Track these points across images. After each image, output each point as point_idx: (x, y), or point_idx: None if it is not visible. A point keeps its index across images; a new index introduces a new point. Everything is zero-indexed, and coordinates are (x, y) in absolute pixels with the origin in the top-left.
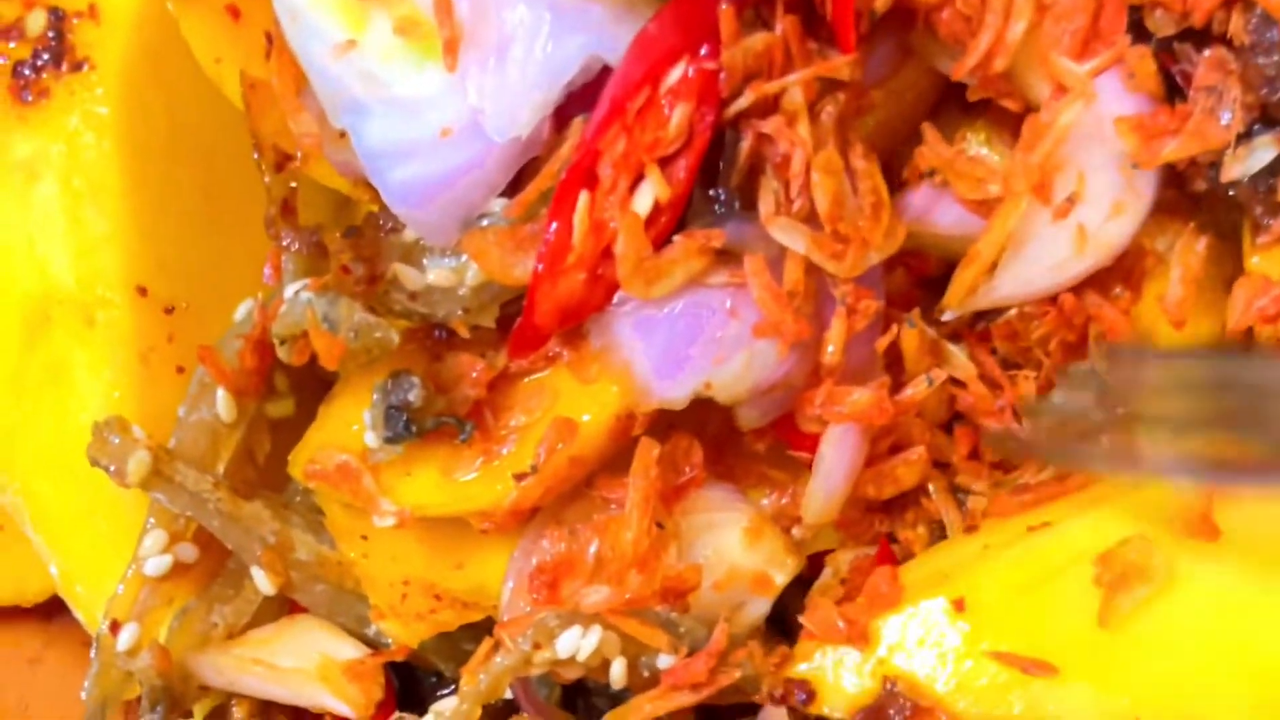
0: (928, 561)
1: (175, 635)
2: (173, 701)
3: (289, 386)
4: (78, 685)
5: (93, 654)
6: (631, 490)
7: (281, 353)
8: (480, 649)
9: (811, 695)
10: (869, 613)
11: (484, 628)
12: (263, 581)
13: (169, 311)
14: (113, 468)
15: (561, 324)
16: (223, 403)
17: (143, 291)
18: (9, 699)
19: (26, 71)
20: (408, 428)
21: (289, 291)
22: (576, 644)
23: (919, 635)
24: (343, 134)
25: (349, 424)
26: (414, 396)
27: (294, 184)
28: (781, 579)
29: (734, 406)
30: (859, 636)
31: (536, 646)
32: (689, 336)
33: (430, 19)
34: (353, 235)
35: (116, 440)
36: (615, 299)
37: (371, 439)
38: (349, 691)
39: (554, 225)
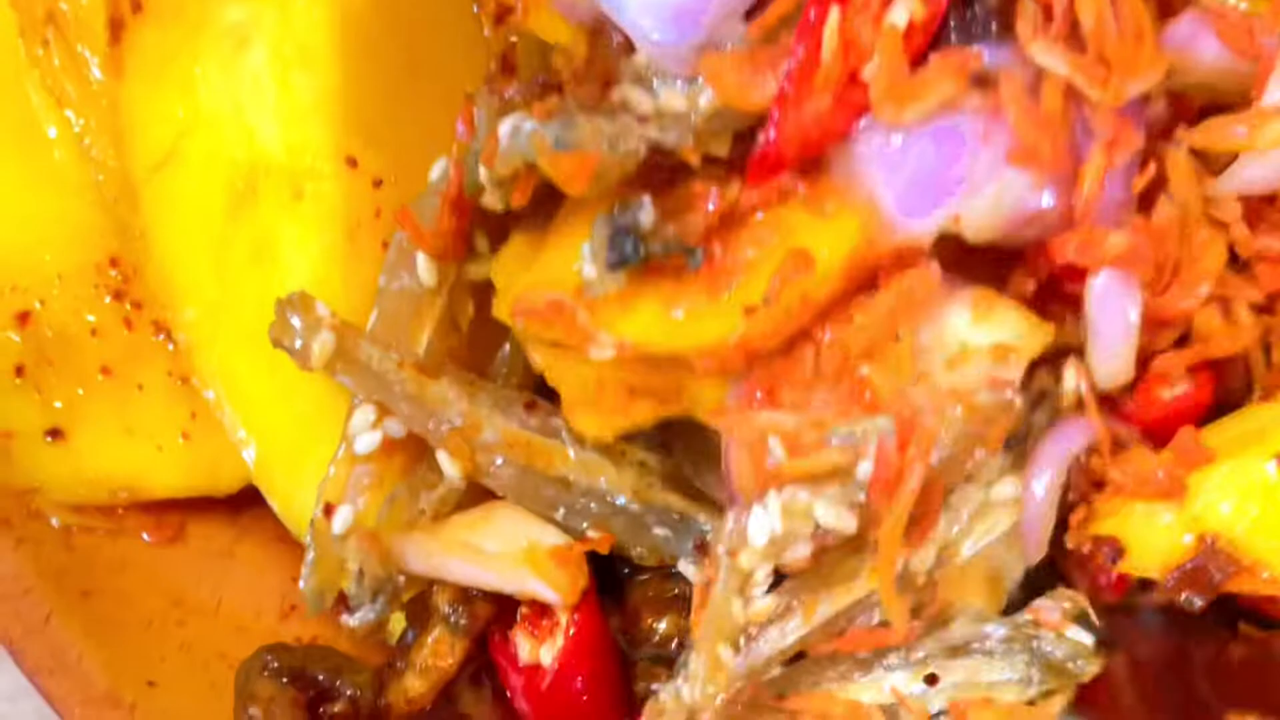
0: (1234, 423)
1: (385, 524)
2: (395, 591)
3: (489, 247)
4: (270, 579)
5: (308, 540)
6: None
7: (496, 198)
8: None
9: (1121, 553)
10: (1183, 468)
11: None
12: (449, 466)
13: (377, 185)
14: (296, 348)
15: (804, 151)
16: (423, 267)
17: (352, 163)
18: (202, 593)
19: None
20: (635, 250)
21: (505, 127)
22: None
23: (1240, 491)
24: None
25: (562, 263)
26: (644, 218)
27: (513, 39)
28: (1024, 351)
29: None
30: (1177, 490)
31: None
32: (939, 166)
33: None
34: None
35: (299, 320)
36: (860, 126)
37: (590, 270)
38: (556, 576)
39: (802, 44)
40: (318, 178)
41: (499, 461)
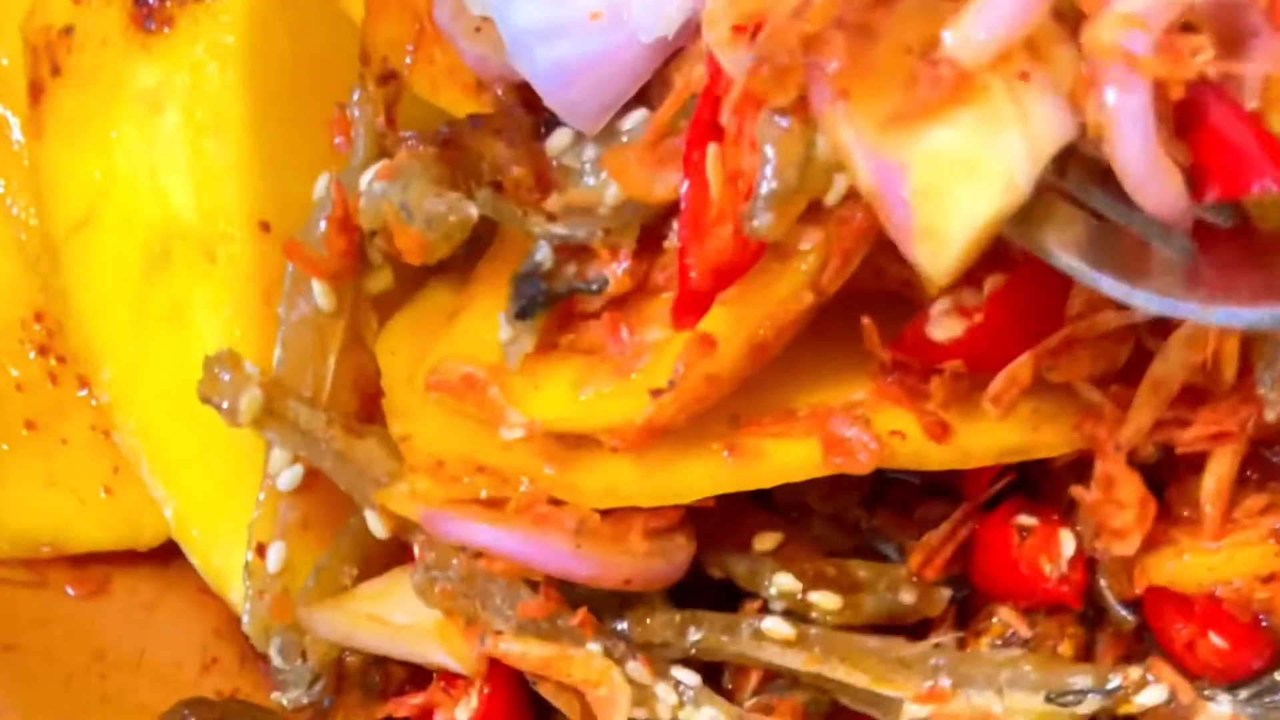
0: None
1: (312, 592)
2: (331, 674)
3: (384, 256)
4: (194, 631)
5: (245, 583)
6: None
7: (373, 251)
8: None
9: None
10: None
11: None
12: (375, 524)
13: None
14: (224, 405)
15: (718, 285)
16: (319, 293)
17: (265, 227)
18: (125, 646)
19: (151, 0)
20: (540, 293)
21: (363, 182)
22: None
23: None
24: (479, 27)
25: (476, 334)
26: (542, 258)
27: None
28: None
29: None
30: None
31: None
32: None
33: None
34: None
35: (228, 377)
36: None
37: (506, 333)
38: (463, 650)
39: (689, 185)
40: (230, 241)
41: None
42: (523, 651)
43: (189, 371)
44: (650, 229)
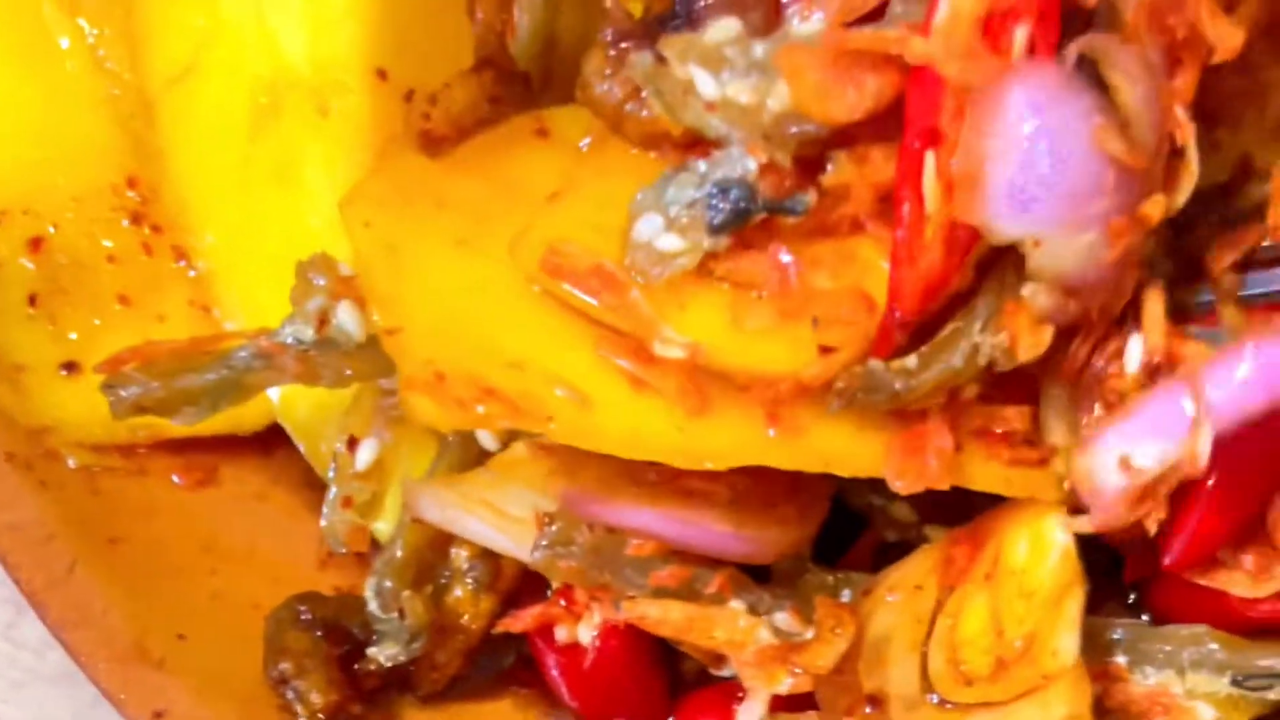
0: None
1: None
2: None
3: None
4: (307, 525)
5: (330, 475)
6: None
7: None
8: None
9: None
10: None
11: None
12: (485, 436)
13: (409, 98)
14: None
15: (926, 306)
16: None
17: (382, 75)
18: (235, 540)
19: None
20: (750, 203)
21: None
22: None
23: None
24: None
25: (593, 222)
26: (750, 167)
27: None
28: None
29: None
30: None
31: None
32: None
33: None
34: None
35: (322, 282)
36: None
37: (668, 240)
38: None
39: (905, 200)
40: (345, 92)
41: None
42: (661, 615)
43: (299, 237)
44: (806, 159)
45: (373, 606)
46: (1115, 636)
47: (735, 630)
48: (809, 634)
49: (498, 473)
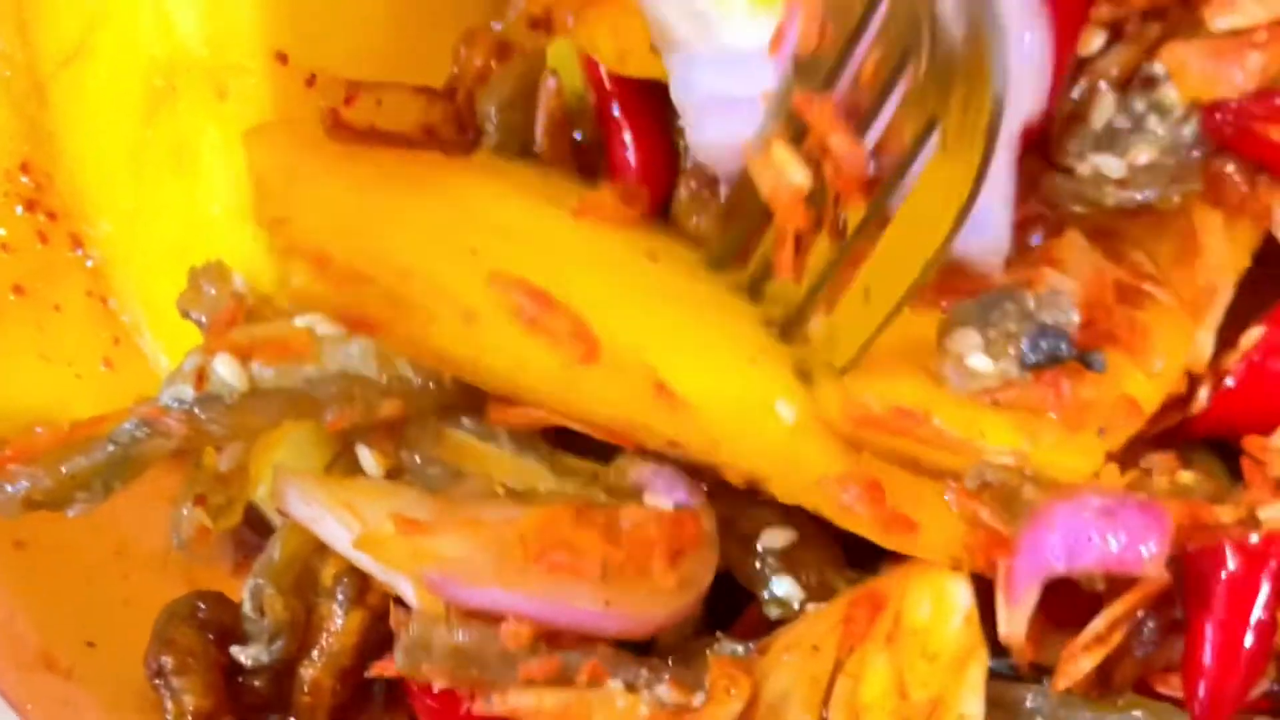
0: None
1: None
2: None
3: None
4: None
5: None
6: None
7: None
8: None
9: None
10: None
11: None
12: (369, 462)
13: (310, 82)
14: (204, 321)
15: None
16: None
17: (282, 59)
18: (148, 543)
19: None
20: (1067, 349)
21: None
22: None
23: None
24: None
25: (895, 366)
26: (1075, 317)
27: None
28: None
29: None
30: None
31: None
32: None
33: None
34: None
35: (214, 291)
36: None
37: (981, 361)
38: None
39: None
40: (243, 74)
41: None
42: (536, 704)
43: (197, 225)
44: None
45: (247, 608)
46: (1029, 705)
47: (614, 712)
48: (698, 700)
49: (371, 485)
